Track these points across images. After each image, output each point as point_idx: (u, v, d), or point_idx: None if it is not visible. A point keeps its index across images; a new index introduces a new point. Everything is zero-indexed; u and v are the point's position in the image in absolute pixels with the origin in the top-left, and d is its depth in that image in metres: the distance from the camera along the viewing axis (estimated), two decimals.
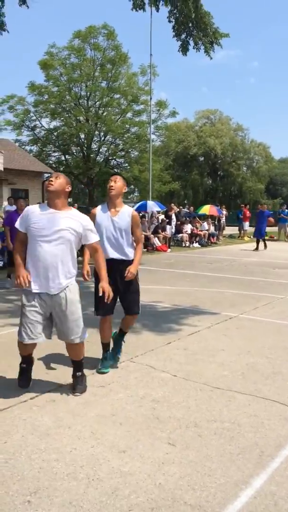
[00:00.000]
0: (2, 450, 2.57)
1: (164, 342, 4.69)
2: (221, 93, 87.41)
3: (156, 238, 15.66)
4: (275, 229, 20.93)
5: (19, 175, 20.72)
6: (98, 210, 3.81)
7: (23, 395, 3.30)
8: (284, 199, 49.58)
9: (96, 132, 28.26)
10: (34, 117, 28.21)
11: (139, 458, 2.50)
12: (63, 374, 3.68)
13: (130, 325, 4.12)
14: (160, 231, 16.11)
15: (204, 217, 20.18)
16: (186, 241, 17.35)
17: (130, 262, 3.76)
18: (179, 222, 18.12)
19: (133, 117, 28.57)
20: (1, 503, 2.10)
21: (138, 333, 5.00)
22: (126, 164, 29.57)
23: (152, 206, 16.67)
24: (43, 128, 28.86)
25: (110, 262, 3.65)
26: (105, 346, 3.91)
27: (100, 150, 29.51)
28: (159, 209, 17.66)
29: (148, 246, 15.41)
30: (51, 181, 3.27)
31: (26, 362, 3.50)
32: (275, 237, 20.70)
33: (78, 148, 29.28)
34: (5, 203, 15.48)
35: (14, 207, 10.51)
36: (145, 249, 15.09)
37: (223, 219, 21.71)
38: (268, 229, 22.04)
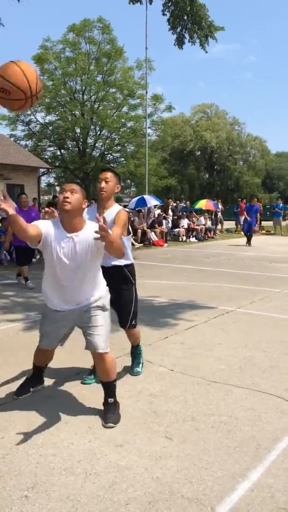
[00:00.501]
0: None
1: (161, 337, 4.69)
2: (218, 87, 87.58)
3: (152, 233, 15.64)
4: (271, 223, 20.97)
5: (15, 170, 20.59)
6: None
7: None
8: (281, 193, 49.71)
9: (92, 127, 28.11)
10: (29, 112, 28.00)
11: (136, 452, 2.50)
12: (60, 370, 3.68)
13: (133, 340, 3.72)
14: (156, 225, 16.10)
15: (200, 212, 20.16)
16: (183, 235, 17.34)
17: (121, 268, 3.41)
18: (175, 217, 18.11)
19: (129, 112, 28.46)
20: None
21: None
22: (122, 159, 29.46)
23: (150, 199, 16.62)
24: (38, 122, 28.72)
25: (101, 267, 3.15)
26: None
27: (96, 144, 29.40)
28: (157, 203, 17.63)
29: (144, 240, 15.41)
30: (67, 198, 2.68)
31: (35, 375, 3.26)
32: (271, 231, 20.76)
33: (74, 142, 29.15)
34: None
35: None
36: (142, 244, 15.11)
37: (220, 214, 21.70)
38: (264, 223, 22.16)
